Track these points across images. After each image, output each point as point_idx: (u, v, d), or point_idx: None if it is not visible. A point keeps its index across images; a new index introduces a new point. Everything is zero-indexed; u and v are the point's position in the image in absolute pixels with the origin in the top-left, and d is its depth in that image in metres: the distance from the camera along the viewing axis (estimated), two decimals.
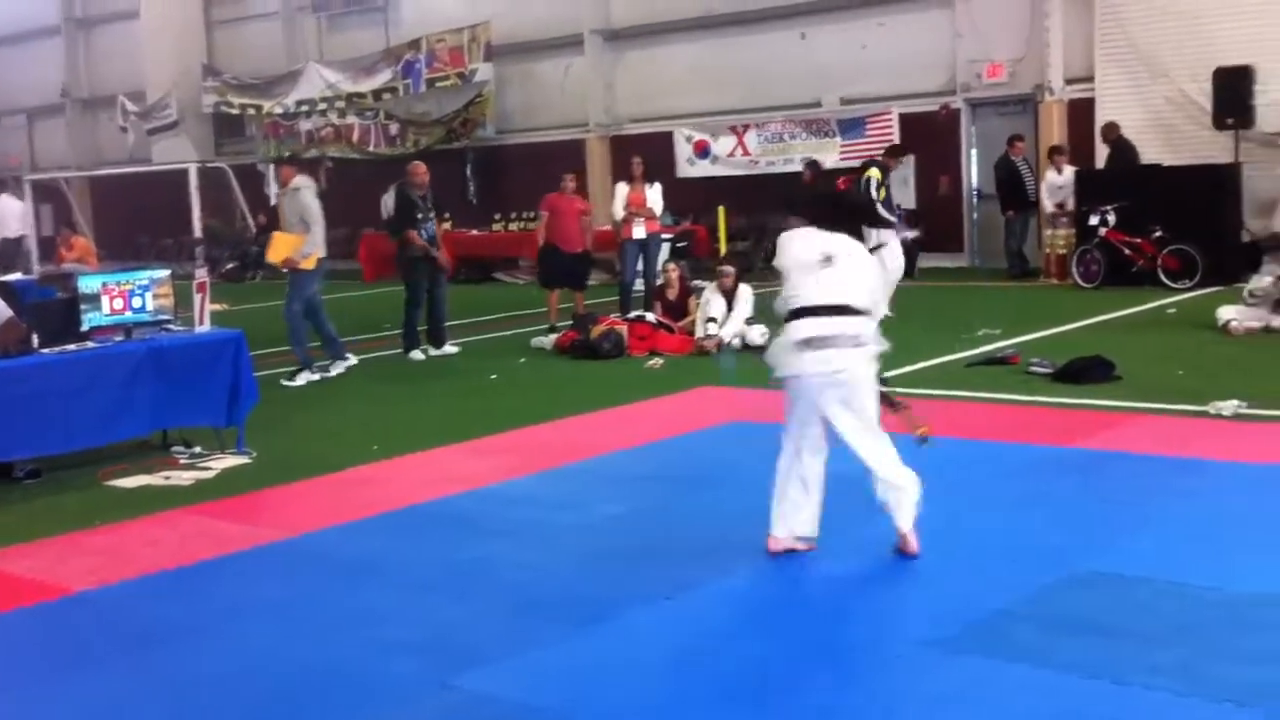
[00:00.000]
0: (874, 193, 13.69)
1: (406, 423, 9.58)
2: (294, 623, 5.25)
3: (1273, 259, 11.65)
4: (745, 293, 12.39)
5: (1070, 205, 16.33)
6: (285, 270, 11.73)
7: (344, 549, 6.28)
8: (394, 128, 25.33)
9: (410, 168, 13.34)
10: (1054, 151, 16.99)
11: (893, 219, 13.81)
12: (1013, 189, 17.61)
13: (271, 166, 26.96)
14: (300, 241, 11.40)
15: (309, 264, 11.47)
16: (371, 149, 25.76)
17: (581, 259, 14.28)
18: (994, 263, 18.67)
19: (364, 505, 7.05)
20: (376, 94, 25.29)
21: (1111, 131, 16.51)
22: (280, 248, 11.56)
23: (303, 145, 26.82)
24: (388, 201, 13.91)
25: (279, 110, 26.73)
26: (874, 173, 13.98)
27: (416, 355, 12.86)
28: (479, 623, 5.11)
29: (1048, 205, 16.83)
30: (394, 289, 21.06)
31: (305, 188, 11.71)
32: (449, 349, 13.10)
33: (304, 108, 26.34)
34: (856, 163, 19.34)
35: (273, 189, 27.00)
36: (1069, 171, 16.65)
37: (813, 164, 17.87)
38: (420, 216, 12.87)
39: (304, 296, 11.54)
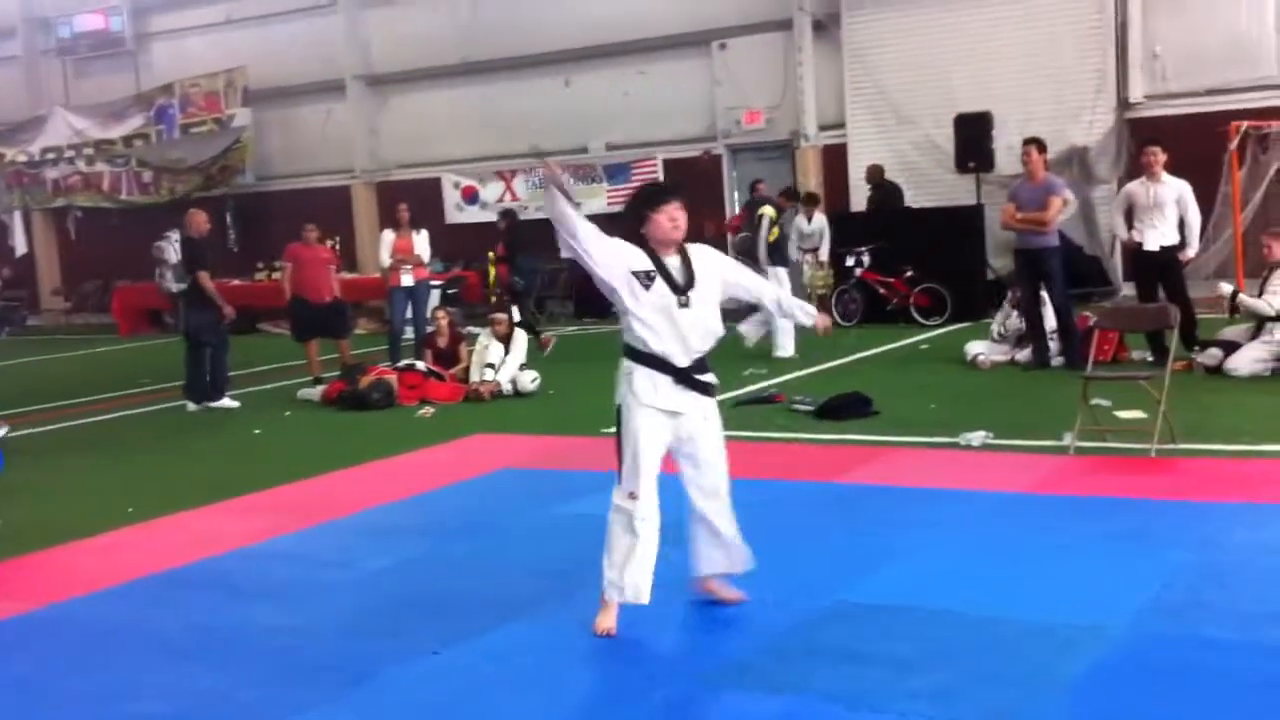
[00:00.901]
0: (765, 231, 13.83)
1: (163, 482, 9.21)
2: (40, 698, 4.96)
3: (1011, 298, 12.27)
4: (520, 338, 12.42)
5: (823, 251, 16.91)
6: None
7: (94, 618, 5.97)
8: (147, 175, 24.54)
9: (190, 216, 12.99)
10: (806, 200, 17.55)
11: (786, 260, 14.10)
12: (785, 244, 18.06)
13: (17, 215, 25.80)
14: None
15: None
16: (124, 197, 24.89)
17: (333, 308, 13.89)
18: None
19: (117, 571, 6.73)
20: (127, 140, 24.48)
21: (875, 174, 17.19)
22: None
23: (49, 194, 25.71)
24: (165, 249, 13.41)
25: (23, 158, 25.57)
26: (768, 210, 14.10)
27: (198, 406, 12.44)
28: (236, 691, 4.91)
29: (793, 252, 17.36)
30: (149, 342, 20.38)
31: None
32: (228, 402, 12.64)
33: (50, 155, 25.27)
34: (621, 208, 19.79)
35: (19, 240, 25.82)
36: (819, 219, 17.24)
37: (508, 214, 18.01)
38: (211, 261, 12.53)
39: None
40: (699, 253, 5.33)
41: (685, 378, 5.23)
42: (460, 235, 20.47)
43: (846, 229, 16.90)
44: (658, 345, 5.19)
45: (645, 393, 5.23)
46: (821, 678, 4.64)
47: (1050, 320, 11.61)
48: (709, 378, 5.36)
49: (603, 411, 10.66)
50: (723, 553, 5.46)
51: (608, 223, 17.60)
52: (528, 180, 20.91)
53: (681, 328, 5.19)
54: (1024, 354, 11.82)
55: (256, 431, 11.22)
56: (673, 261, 5.23)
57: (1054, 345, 11.65)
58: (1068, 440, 8.18)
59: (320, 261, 13.90)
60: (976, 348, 12.14)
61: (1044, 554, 6.03)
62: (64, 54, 25.71)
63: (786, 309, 5.74)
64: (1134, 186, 11.61)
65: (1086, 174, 16.40)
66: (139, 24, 24.72)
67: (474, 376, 12.25)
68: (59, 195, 25.64)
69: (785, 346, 13.40)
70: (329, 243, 14.10)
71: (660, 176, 19.67)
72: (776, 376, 12.02)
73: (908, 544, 6.33)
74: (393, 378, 12.26)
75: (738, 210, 17.04)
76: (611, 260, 5.18)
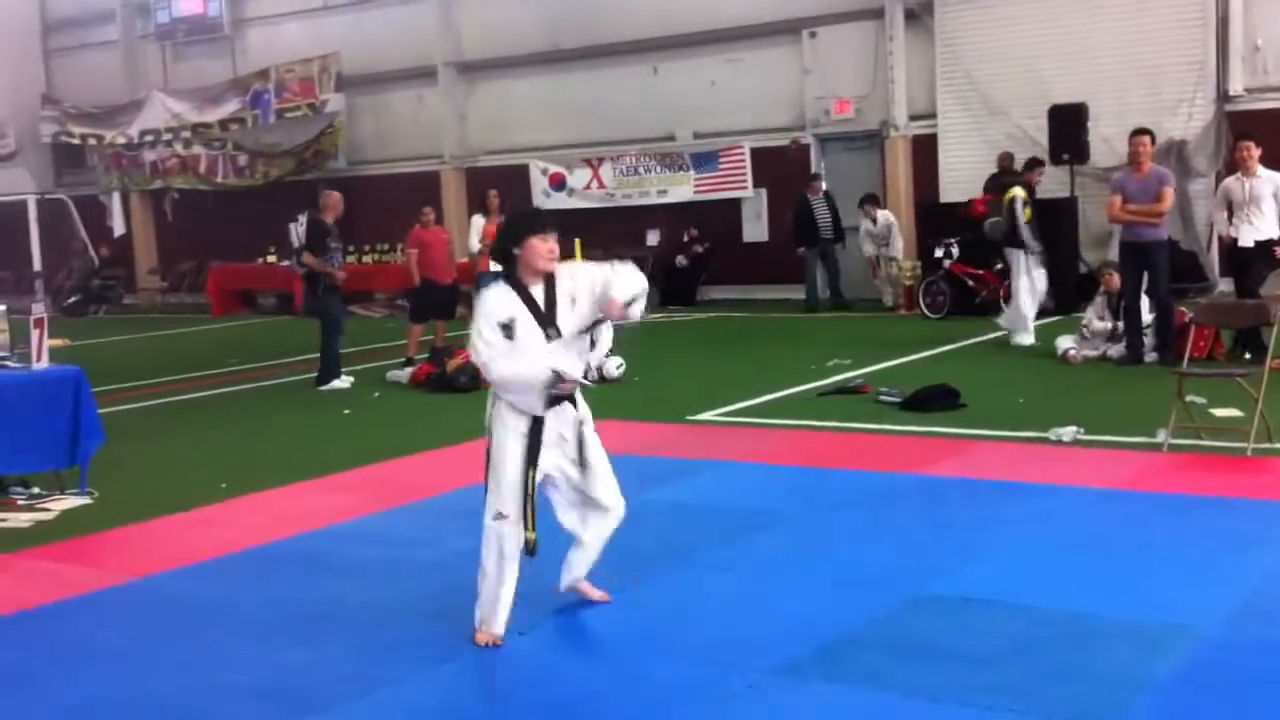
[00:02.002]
0: (1020, 214, 13.28)
1: (256, 459, 9.39)
2: (132, 669, 5.09)
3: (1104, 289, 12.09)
4: (605, 324, 12.43)
5: (893, 250, 16.86)
6: None
7: (187, 592, 6.12)
8: (242, 158, 24.90)
9: (323, 196, 13.14)
10: (864, 200, 17.43)
11: (1037, 244, 13.34)
12: (805, 226, 18.03)
13: (115, 197, 26.34)
14: None
15: None
16: (219, 179, 25.28)
17: (453, 290, 14.29)
18: (845, 293, 19.07)
19: (209, 546, 6.88)
20: (224, 124, 24.83)
21: (1004, 160, 16.92)
22: None
23: (147, 176, 26.22)
24: (298, 230, 13.60)
25: (122, 140, 26.05)
26: (1018, 192, 13.44)
27: (338, 384, 12.62)
28: (324, 666, 5.01)
29: (867, 250, 17.42)
30: (241, 323, 20.74)
31: None
32: (337, 383, 12.78)
33: (148, 138, 25.72)
34: (711, 196, 19.79)
35: (117, 220, 26.38)
36: (883, 217, 17.12)
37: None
38: (334, 245, 12.69)
39: None
40: (564, 276, 5.22)
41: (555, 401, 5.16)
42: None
43: (935, 220, 16.73)
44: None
45: (513, 415, 5.15)
46: (903, 671, 4.62)
47: (1146, 315, 11.41)
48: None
49: (687, 399, 10.73)
50: (582, 554, 5.47)
51: (692, 210, 17.30)
52: (615, 167, 20.95)
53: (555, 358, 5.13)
54: (1115, 349, 11.63)
55: (346, 411, 11.37)
56: (539, 293, 5.14)
57: (1148, 340, 11.45)
58: (1161, 437, 8.04)
59: (442, 243, 14.16)
60: (1066, 342, 11.97)
61: (1133, 551, 5.95)
62: (162, 39, 26.18)
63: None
64: (1230, 182, 11.49)
65: (1184, 167, 16.06)
66: (236, 9, 25.10)
67: None
68: (156, 177, 26.12)
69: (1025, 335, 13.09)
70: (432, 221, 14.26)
71: (748, 165, 19.64)
72: (862, 367, 11.94)
73: (993, 538, 6.27)
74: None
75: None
76: (504, 345, 5.08)
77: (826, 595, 5.50)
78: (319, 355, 12.87)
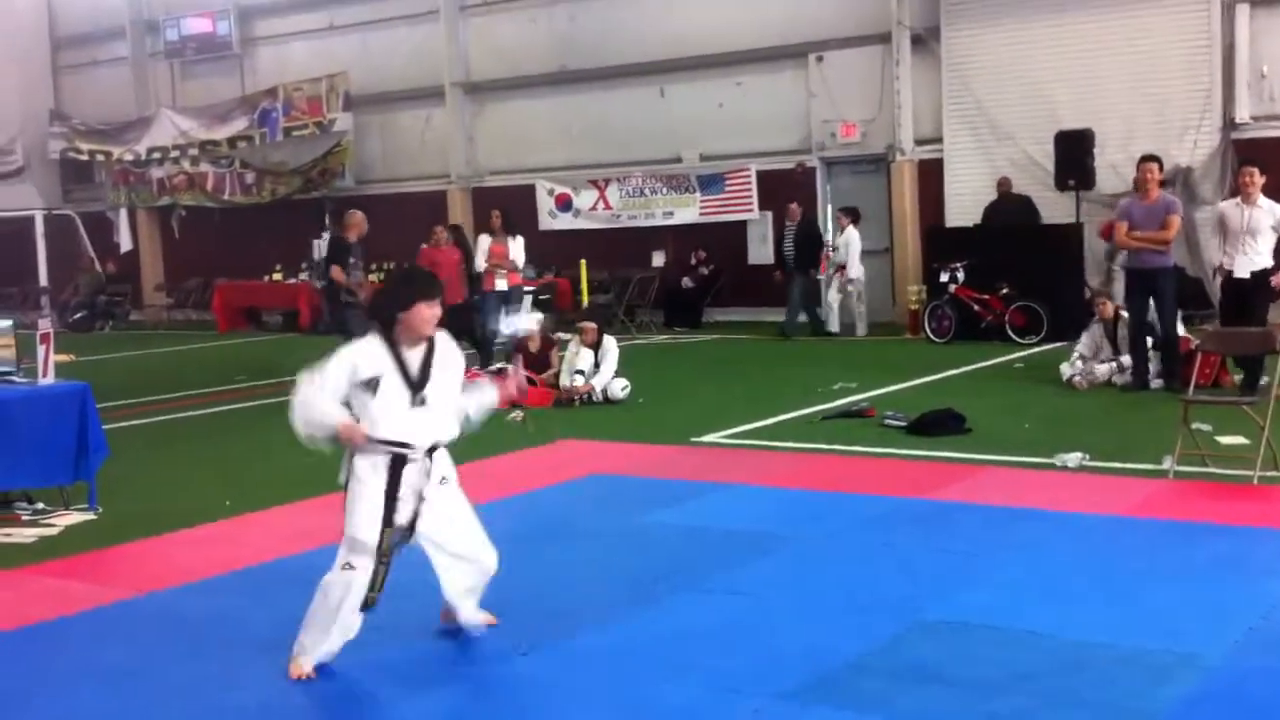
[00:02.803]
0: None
1: (261, 476, 9.38)
2: (136, 686, 5.08)
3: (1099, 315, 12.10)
4: (611, 346, 12.49)
5: (851, 271, 17.24)
6: None
7: (191, 608, 6.11)
8: (250, 176, 24.99)
9: (347, 215, 13.16)
10: (839, 212, 17.49)
11: None
12: (778, 252, 18.14)
13: (123, 213, 26.40)
14: None
15: None
16: (226, 197, 25.37)
17: (464, 309, 14.24)
18: (849, 317, 19.09)
19: (214, 562, 6.88)
20: (232, 141, 24.92)
21: (1004, 184, 16.96)
22: None
23: (154, 193, 26.29)
24: (320, 246, 13.63)
25: (129, 157, 26.15)
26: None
27: None
28: (326, 685, 5.00)
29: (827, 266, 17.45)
30: (247, 340, 20.75)
31: None
32: None
33: (156, 155, 25.81)
34: (717, 218, 19.84)
35: (124, 236, 26.44)
36: (848, 232, 17.17)
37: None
38: (352, 261, 12.70)
39: None
40: (444, 346, 5.23)
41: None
42: (553, 242, 20.62)
43: (941, 244, 16.76)
44: (390, 435, 5.09)
45: (369, 471, 5.13)
46: (906, 697, 4.61)
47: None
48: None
49: (692, 421, 10.73)
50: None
51: (698, 232, 17.30)
52: (621, 188, 21.00)
53: (417, 424, 5.11)
54: (1118, 376, 11.61)
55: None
56: (414, 356, 5.12)
57: (1152, 367, 11.45)
58: (1167, 464, 8.03)
59: (453, 263, 14.14)
60: (1071, 369, 11.96)
61: (1138, 579, 5.93)
62: (171, 56, 26.27)
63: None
64: (1228, 207, 11.21)
65: (1190, 194, 16.07)
66: (245, 28, 25.20)
67: (564, 382, 12.34)
68: (164, 194, 26.19)
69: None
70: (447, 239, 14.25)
71: (754, 187, 19.68)
72: (867, 391, 11.94)
73: (998, 564, 6.26)
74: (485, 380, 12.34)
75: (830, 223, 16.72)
76: (334, 389, 5.07)
77: (831, 620, 5.49)
78: None
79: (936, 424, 9.89)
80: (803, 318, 17.86)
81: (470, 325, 14.27)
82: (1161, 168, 11.74)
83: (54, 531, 7.85)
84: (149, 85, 26.77)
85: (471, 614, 5.41)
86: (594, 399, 12.15)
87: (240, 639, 5.59)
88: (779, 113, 19.68)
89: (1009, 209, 16.81)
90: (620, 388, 12.22)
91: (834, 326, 17.73)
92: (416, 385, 5.09)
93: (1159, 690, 4.59)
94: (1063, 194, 16.39)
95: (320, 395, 5.04)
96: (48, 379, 8.49)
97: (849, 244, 17.55)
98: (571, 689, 4.89)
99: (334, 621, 5.07)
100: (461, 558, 5.33)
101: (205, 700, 4.90)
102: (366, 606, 5.10)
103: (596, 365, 12.35)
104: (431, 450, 5.20)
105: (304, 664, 5.08)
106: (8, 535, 7.75)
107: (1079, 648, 5.01)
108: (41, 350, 8.50)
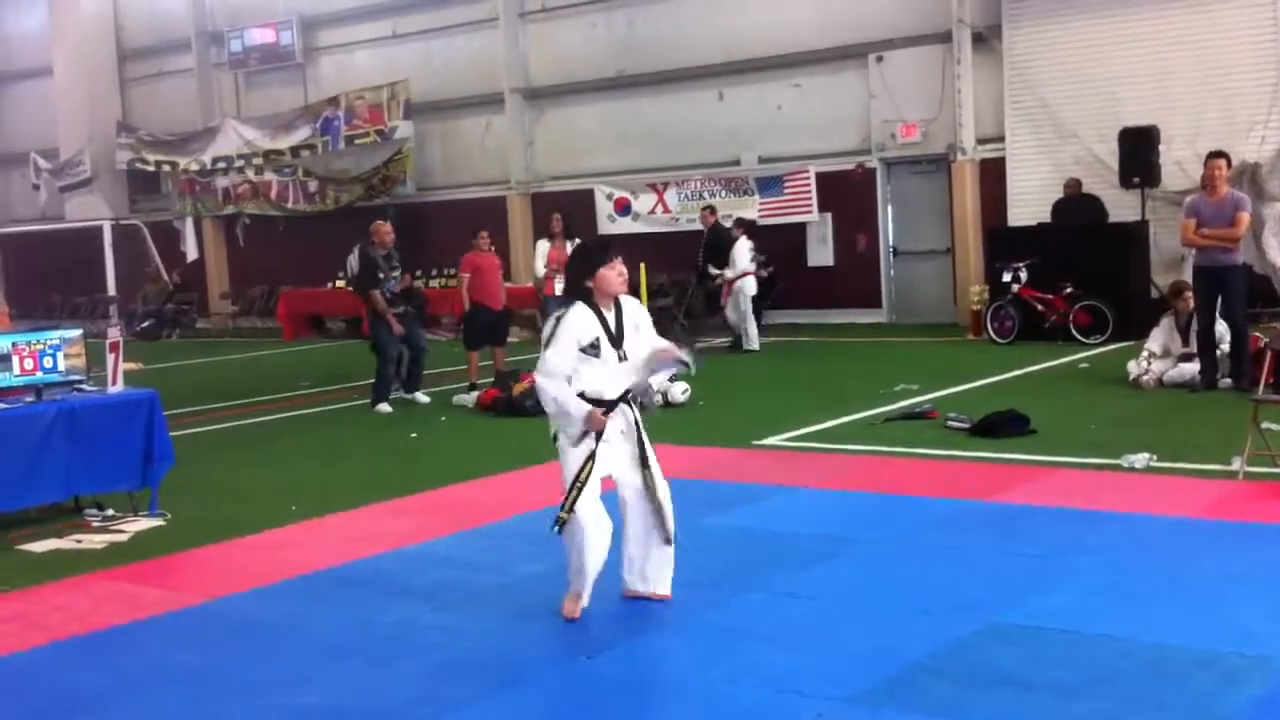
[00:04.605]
0: None
1: (325, 482, 9.47)
2: (206, 690, 5.14)
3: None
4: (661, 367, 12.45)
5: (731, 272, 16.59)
6: None
7: (259, 613, 6.17)
8: (313, 184, 25.23)
9: (373, 227, 13.28)
10: (734, 224, 17.09)
11: None
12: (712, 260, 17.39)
13: (189, 222, 26.78)
14: None
15: None
16: (290, 206, 25.63)
17: (504, 315, 14.34)
18: (911, 319, 18.99)
19: (281, 568, 6.95)
20: (295, 150, 25.19)
21: (1072, 186, 16.75)
22: None
23: (219, 202, 26.64)
24: (352, 262, 13.80)
25: (195, 167, 26.52)
26: None
27: (381, 409, 12.79)
28: (395, 688, 5.04)
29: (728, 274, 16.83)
30: (311, 347, 20.98)
31: None
32: (420, 396, 13.09)
33: (221, 164, 26.16)
34: (776, 220, 19.77)
35: (190, 245, 26.81)
36: (740, 242, 16.68)
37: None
38: (382, 275, 12.83)
39: None
40: (629, 304, 5.81)
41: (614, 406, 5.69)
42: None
43: (1003, 244, 16.60)
44: (601, 393, 5.65)
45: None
46: (979, 701, 4.56)
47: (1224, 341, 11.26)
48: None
49: (753, 424, 10.70)
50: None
51: (757, 234, 17.23)
52: (680, 192, 21.00)
53: (618, 375, 5.68)
54: (1189, 368, 11.44)
55: (413, 435, 11.46)
56: (610, 316, 5.70)
57: (1221, 366, 11.29)
58: (1236, 465, 7.90)
59: (495, 269, 14.19)
60: (1138, 367, 11.80)
61: (1209, 581, 5.84)
62: (235, 67, 26.61)
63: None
64: None
65: (1257, 191, 15.81)
66: (308, 38, 25.47)
67: None
68: (228, 203, 26.53)
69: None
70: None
71: (814, 189, 19.60)
72: (929, 392, 11.85)
73: (1067, 567, 6.19)
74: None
75: (890, 223, 16.18)
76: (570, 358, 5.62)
77: (897, 623, 5.45)
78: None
79: (1000, 425, 9.79)
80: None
81: (503, 332, 14.29)
82: (1230, 164, 11.58)
83: (124, 538, 7.96)
84: (214, 96, 27.14)
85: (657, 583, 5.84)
86: (652, 402, 12.14)
87: (308, 643, 5.65)
88: (838, 114, 19.60)
89: (1079, 208, 16.58)
90: (680, 391, 12.21)
91: (752, 344, 16.78)
92: (616, 343, 5.66)
93: (1232, 693, 4.52)
94: (1127, 192, 16.19)
95: (565, 390, 5.56)
96: (117, 387, 8.64)
97: (737, 255, 16.62)
98: (638, 690, 4.89)
99: (586, 555, 5.58)
100: (659, 516, 5.72)
101: (274, 702, 4.94)
102: (556, 524, 5.57)
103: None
104: (623, 398, 5.69)
105: (579, 600, 5.67)
106: (78, 541, 7.88)
107: (1153, 650, 4.95)
108: (111, 359, 8.66)
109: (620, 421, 5.69)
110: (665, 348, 5.75)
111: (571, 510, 5.52)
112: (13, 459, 7.90)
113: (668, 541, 5.77)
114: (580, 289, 5.70)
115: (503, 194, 22.85)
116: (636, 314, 5.78)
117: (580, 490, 5.54)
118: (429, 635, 5.64)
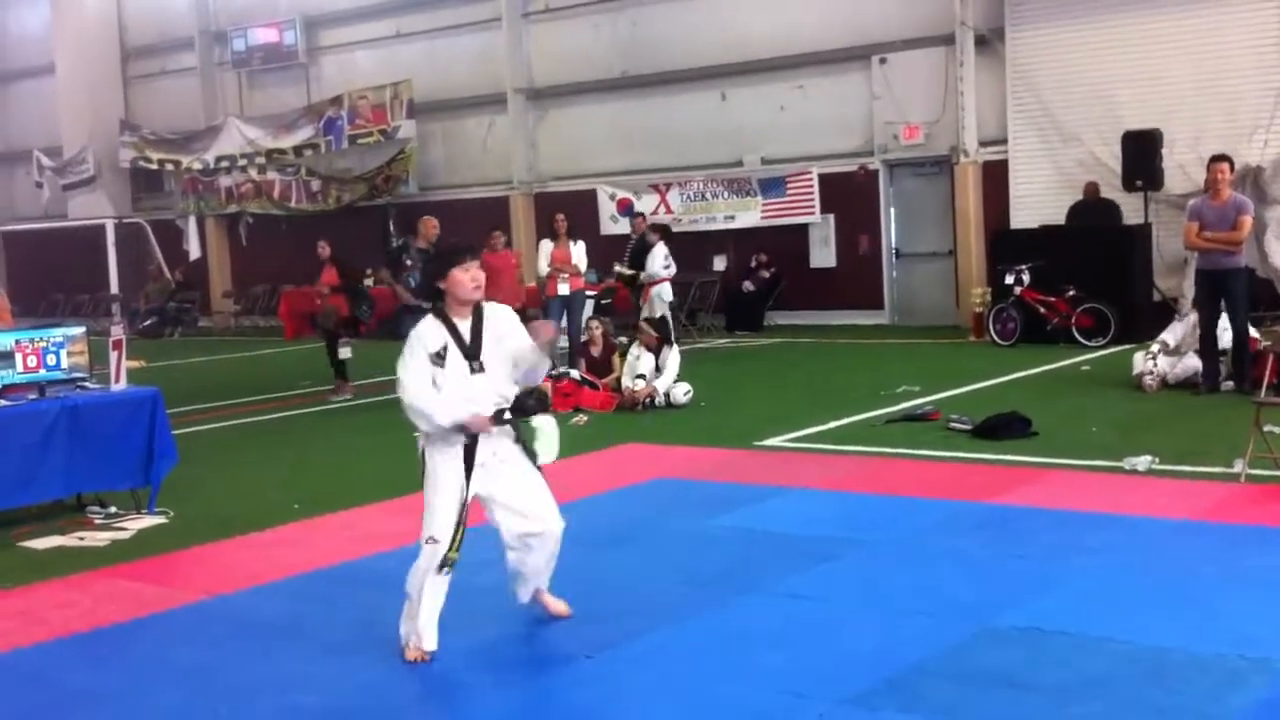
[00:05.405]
0: None
1: (328, 481, 9.48)
2: (206, 688, 5.15)
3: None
4: (674, 352, 12.48)
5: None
6: None
7: (261, 611, 6.19)
8: (315, 184, 25.26)
9: (419, 221, 13.24)
10: (649, 228, 16.59)
11: None
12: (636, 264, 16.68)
13: (191, 221, 26.81)
14: None
15: None
16: (293, 205, 25.65)
17: (521, 315, 14.18)
18: (912, 320, 18.99)
19: (283, 566, 6.96)
20: (297, 150, 25.21)
21: (1091, 190, 16.70)
22: None
23: (222, 201, 26.66)
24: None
25: (198, 166, 26.54)
26: None
27: None
28: (394, 686, 5.05)
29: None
30: (313, 345, 20.96)
31: None
32: None
33: (224, 163, 26.18)
34: (778, 221, 19.79)
35: (192, 244, 26.83)
36: (657, 247, 15.94)
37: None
38: (410, 264, 12.82)
39: None
40: (492, 313, 5.42)
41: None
42: (615, 246, 20.58)
43: (1006, 247, 16.60)
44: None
45: (445, 442, 5.31)
46: (978, 703, 4.57)
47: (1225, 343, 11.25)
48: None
49: (755, 424, 10.71)
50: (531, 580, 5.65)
51: (760, 235, 17.15)
52: (682, 193, 21.01)
53: (473, 393, 5.26)
54: (1173, 362, 11.44)
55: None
56: (464, 325, 5.31)
57: (1221, 370, 11.28)
58: (1238, 468, 7.91)
59: (510, 269, 14.15)
60: (1145, 362, 11.75)
61: (1210, 584, 5.85)
62: (238, 66, 26.62)
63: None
64: None
65: (1260, 194, 15.81)
66: (310, 37, 25.48)
67: (625, 384, 12.35)
68: (231, 202, 26.56)
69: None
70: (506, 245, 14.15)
71: (816, 191, 19.61)
72: (931, 394, 11.85)
73: (1067, 569, 6.19)
74: (547, 385, 12.37)
75: (893, 225, 15.68)
76: (423, 372, 5.26)
77: (897, 624, 5.46)
78: None
79: (1002, 427, 9.79)
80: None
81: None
82: (1233, 168, 11.58)
83: (126, 535, 7.98)
84: (217, 95, 27.16)
85: (549, 599, 5.63)
86: (656, 403, 12.15)
87: (309, 641, 5.66)
88: (841, 115, 19.60)
89: (1096, 211, 16.54)
90: (683, 392, 12.22)
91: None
92: (471, 353, 5.27)
93: (1232, 696, 4.52)
94: (1130, 195, 16.19)
95: (427, 393, 5.21)
96: (120, 384, 8.65)
97: (652, 260, 15.89)
98: (637, 691, 4.90)
99: (432, 595, 5.26)
100: (533, 529, 5.44)
101: (274, 701, 4.95)
102: (442, 566, 5.25)
103: (658, 369, 12.35)
104: (497, 416, 5.30)
105: (424, 643, 5.25)
106: (81, 539, 7.89)
107: (1152, 653, 4.95)
108: (114, 356, 8.67)
109: (494, 443, 5.34)
110: (530, 345, 5.36)
111: (458, 549, 5.22)
112: (15, 456, 7.92)
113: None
114: (433, 291, 5.41)
115: (505, 194, 22.87)
116: (502, 324, 5.39)
117: (463, 529, 5.24)
118: None
